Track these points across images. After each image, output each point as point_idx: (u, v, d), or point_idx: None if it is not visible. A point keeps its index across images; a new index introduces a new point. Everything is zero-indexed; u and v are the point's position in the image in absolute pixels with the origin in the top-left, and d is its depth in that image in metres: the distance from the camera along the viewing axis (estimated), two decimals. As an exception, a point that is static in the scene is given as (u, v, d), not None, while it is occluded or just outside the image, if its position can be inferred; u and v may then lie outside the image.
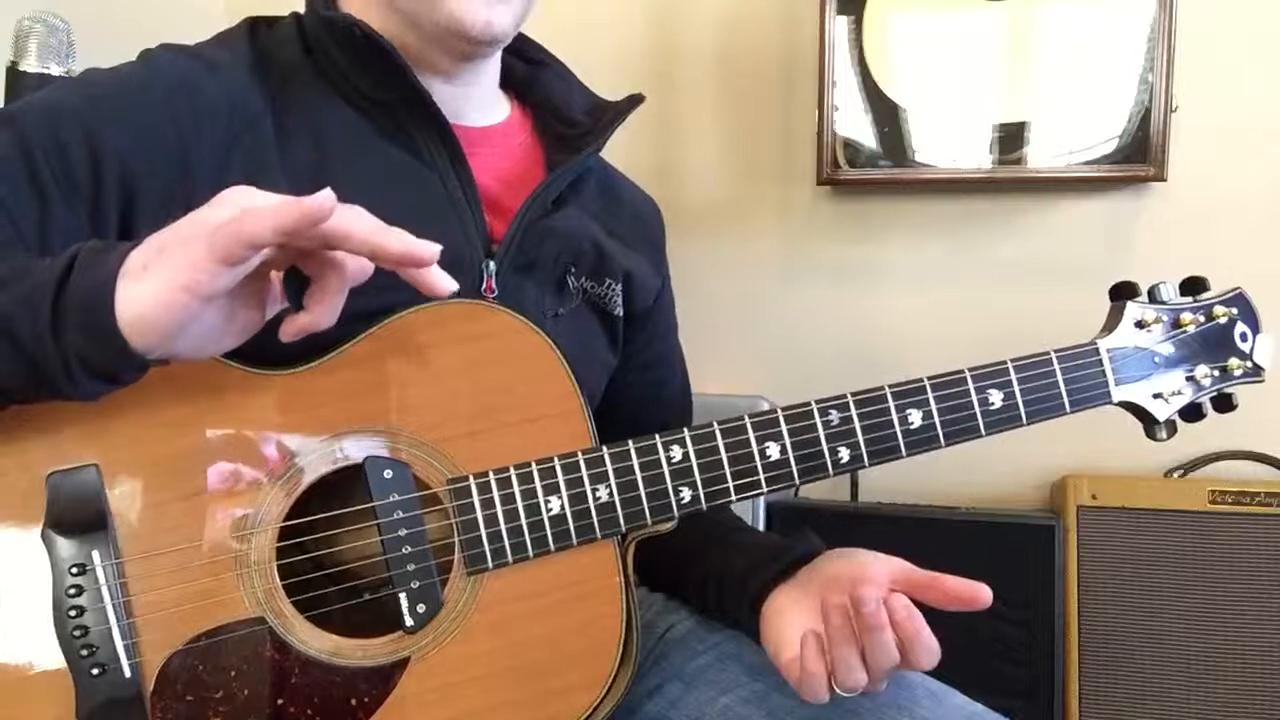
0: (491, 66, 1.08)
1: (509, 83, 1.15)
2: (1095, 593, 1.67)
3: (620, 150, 1.19)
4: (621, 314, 1.12)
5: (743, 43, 1.95)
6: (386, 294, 0.86)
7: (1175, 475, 1.77)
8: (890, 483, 1.84)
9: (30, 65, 1.56)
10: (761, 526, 1.69)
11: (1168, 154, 1.69)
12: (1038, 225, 1.85)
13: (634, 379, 1.18)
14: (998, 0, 1.71)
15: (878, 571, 0.94)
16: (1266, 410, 1.69)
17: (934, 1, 1.73)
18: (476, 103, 1.08)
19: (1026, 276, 1.85)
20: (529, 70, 1.15)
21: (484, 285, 0.99)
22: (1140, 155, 1.70)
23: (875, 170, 1.80)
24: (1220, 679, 1.63)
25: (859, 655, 0.89)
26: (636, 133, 1.94)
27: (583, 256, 1.07)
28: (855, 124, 1.79)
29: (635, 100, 1.12)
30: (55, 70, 1.57)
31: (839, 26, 1.77)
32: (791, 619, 0.95)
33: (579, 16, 1.97)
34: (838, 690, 0.89)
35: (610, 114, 1.11)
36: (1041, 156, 1.73)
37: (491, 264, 1.00)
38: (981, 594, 0.90)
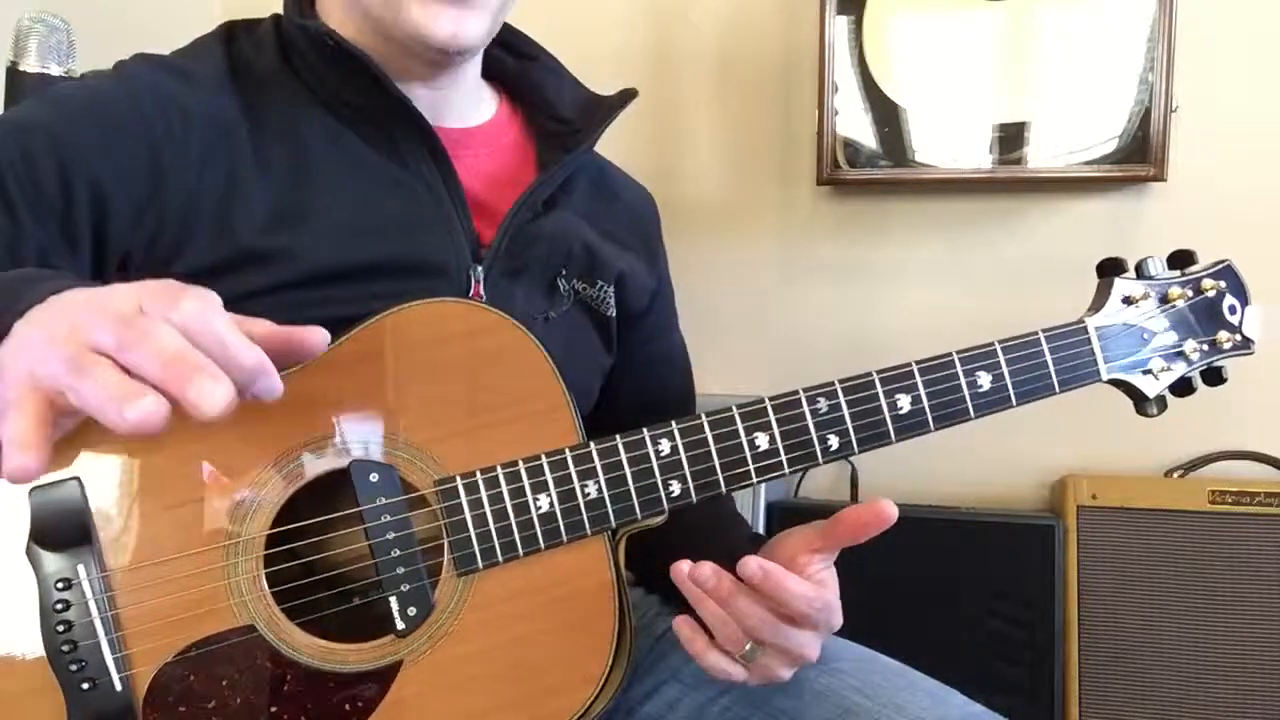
0: (472, 67, 1.07)
1: (497, 77, 1.13)
2: (1095, 593, 1.67)
3: (621, 151, 1.19)
4: (614, 315, 1.11)
5: (743, 43, 1.96)
6: (367, 301, 0.86)
7: (1175, 475, 1.77)
8: (890, 483, 1.83)
9: (30, 65, 1.56)
10: (761, 526, 1.69)
11: (1168, 154, 1.69)
12: (1038, 225, 1.85)
13: (633, 378, 1.17)
14: (998, 0, 1.71)
15: (787, 547, 0.93)
16: (1266, 410, 1.70)
17: (934, 1, 1.73)
18: (459, 103, 1.07)
19: (1026, 276, 1.85)
20: (518, 65, 1.14)
21: (471, 291, 0.98)
22: (1140, 155, 1.70)
23: (875, 170, 1.80)
24: (1220, 679, 1.62)
25: (727, 623, 0.89)
26: (637, 133, 1.94)
27: (573, 259, 1.06)
28: (855, 124, 1.79)
29: (628, 95, 1.11)
30: (55, 70, 1.57)
31: (839, 26, 1.78)
32: None
33: (578, 17, 1.97)
34: (727, 649, 0.90)
35: (603, 110, 1.09)
36: (1041, 156, 1.73)
37: (479, 269, 0.99)
38: (885, 510, 0.87)
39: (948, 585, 1.66)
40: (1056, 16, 1.70)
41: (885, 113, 1.78)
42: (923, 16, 1.75)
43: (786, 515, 1.73)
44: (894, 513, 0.87)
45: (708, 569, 0.88)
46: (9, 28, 1.56)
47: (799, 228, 1.96)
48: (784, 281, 1.97)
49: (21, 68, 1.56)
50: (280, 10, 1.03)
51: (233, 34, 1.02)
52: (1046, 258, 1.84)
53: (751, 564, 0.86)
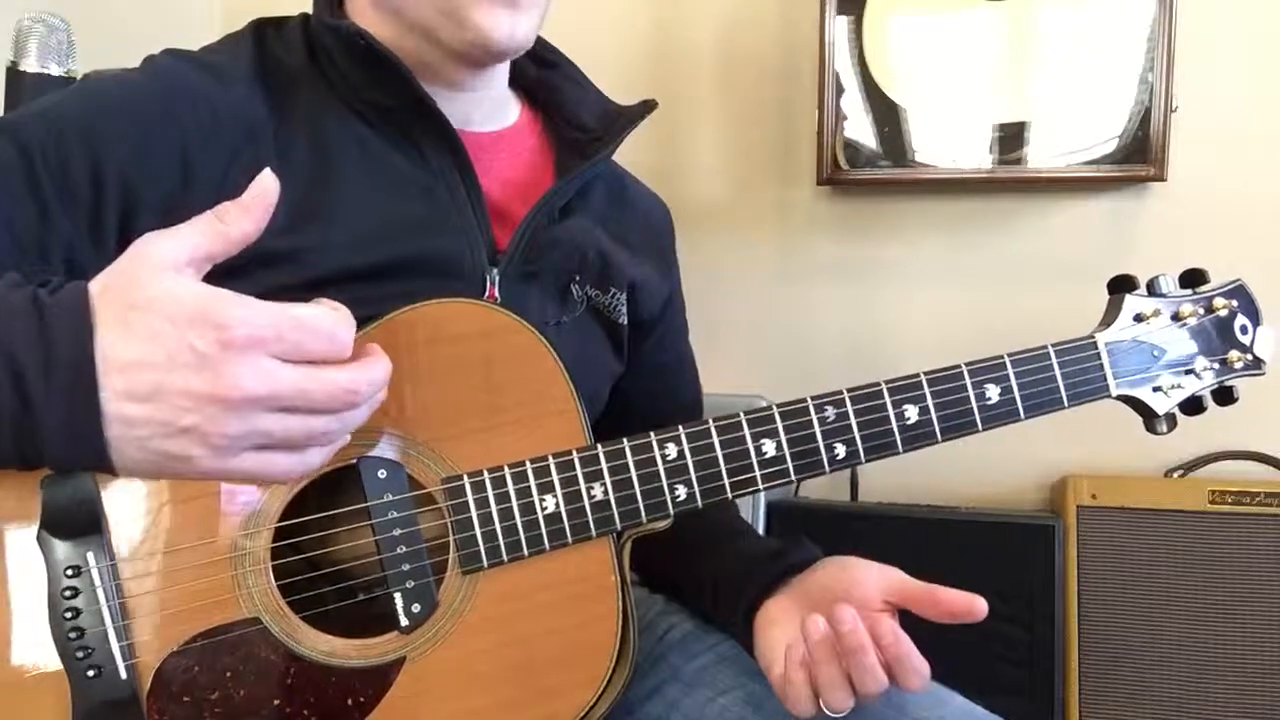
0: (502, 71, 1.07)
1: (519, 83, 1.13)
2: (1095, 593, 1.67)
3: (621, 150, 1.19)
4: (626, 322, 1.11)
5: (743, 43, 1.95)
6: (382, 301, 0.86)
7: (1175, 475, 1.77)
8: (890, 483, 1.84)
9: (30, 65, 1.56)
10: (761, 526, 1.69)
11: (1168, 154, 1.69)
12: (1038, 225, 1.85)
13: (643, 386, 1.17)
14: (998, 0, 1.71)
15: (870, 583, 0.92)
16: (1266, 410, 1.69)
17: (934, 1, 1.73)
18: (485, 109, 1.07)
19: (1026, 276, 1.85)
20: (540, 72, 1.14)
21: (486, 294, 0.99)
22: (1140, 155, 1.69)
23: (875, 170, 1.80)
24: (1220, 679, 1.62)
25: (843, 675, 0.87)
26: (638, 133, 1.93)
27: (587, 266, 1.06)
28: (855, 124, 1.79)
29: (649, 106, 1.11)
30: (55, 70, 1.57)
31: (839, 26, 1.77)
32: (782, 632, 0.94)
33: (579, 17, 1.96)
34: (824, 710, 0.88)
35: (623, 120, 1.10)
36: (1041, 156, 1.73)
37: (495, 271, 0.99)
38: (977, 606, 0.89)
39: (948, 585, 1.65)
40: (1056, 16, 1.70)
41: (885, 113, 1.78)
42: (923, 16, 1.75)
43: (786, 515, 1.73)
44: (984, 610, 0.90)
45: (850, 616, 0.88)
46: (9, 28, 1.56)
47: (799, 228, 1.96)
48: (784, 281, 1.97)
49: (21, 68, 1.56)
50: (292, 10, 1.04)
51: (262, 32, 1.01)
52: (1046, 258, 1.84)
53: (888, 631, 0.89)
